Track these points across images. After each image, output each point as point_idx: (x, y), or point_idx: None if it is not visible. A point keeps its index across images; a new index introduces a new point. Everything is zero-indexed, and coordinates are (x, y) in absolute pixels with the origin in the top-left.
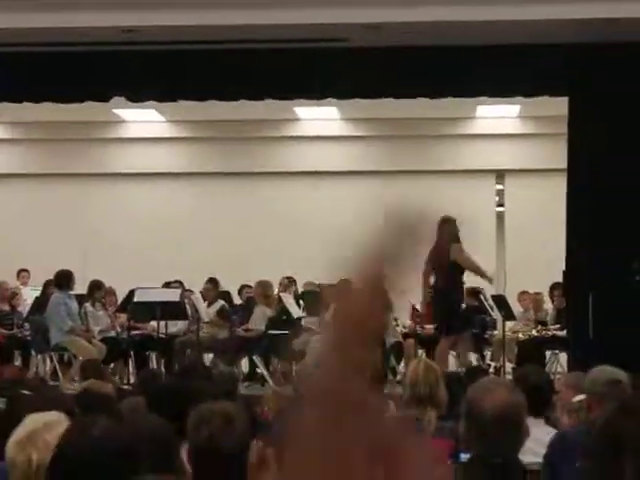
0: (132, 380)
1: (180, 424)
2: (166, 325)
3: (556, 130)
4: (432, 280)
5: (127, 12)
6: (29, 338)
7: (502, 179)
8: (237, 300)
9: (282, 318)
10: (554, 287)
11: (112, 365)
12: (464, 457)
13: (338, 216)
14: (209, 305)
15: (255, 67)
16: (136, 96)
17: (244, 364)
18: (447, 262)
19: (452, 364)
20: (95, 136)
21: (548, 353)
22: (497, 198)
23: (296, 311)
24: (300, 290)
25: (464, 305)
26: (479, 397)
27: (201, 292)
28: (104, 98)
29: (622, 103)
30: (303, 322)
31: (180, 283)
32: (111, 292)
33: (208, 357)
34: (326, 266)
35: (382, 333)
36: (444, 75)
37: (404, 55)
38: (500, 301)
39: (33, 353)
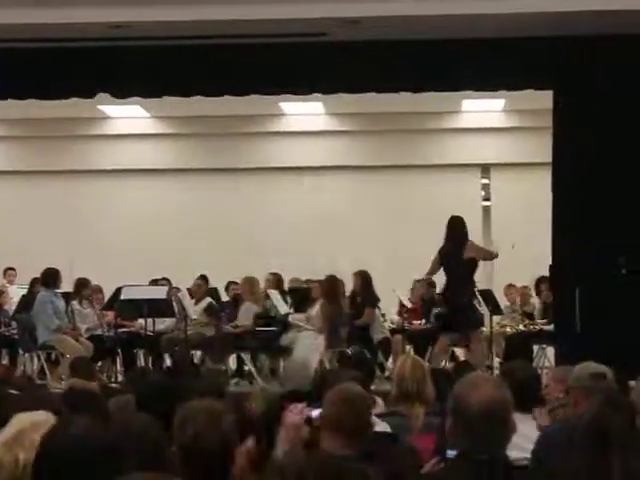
0: (120, 378)
1: (168, 422)
2: (153, 322)
3: (541, 124)
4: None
5: (112, 8)
6: (16, 337)
7: (488, 173)
8: (224, 297)
9: (269, 314)
10: (540, 281)
11: (100, 363)
12: (451, 453)
13: (324, 211)
14: (197, 302)
15: (240, 63)
16: (121, 92)
17: (232, 361)
18: (461, 260)
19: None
20: (80, 133)
21: (535, 347)
22: (483, 192)
23: (283, 307)
24: (286, 286)
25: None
26: (465, 393)
27: (189, 289)
28: (89, 94)
29: (607, 96)
30: (290, 318)
31: (167, 280)
32: (98, 290)
33: (196, 354)
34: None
35: None
36: (428, 69)
37: (388, 49)
38: (487, 295)
39: (20, 352)
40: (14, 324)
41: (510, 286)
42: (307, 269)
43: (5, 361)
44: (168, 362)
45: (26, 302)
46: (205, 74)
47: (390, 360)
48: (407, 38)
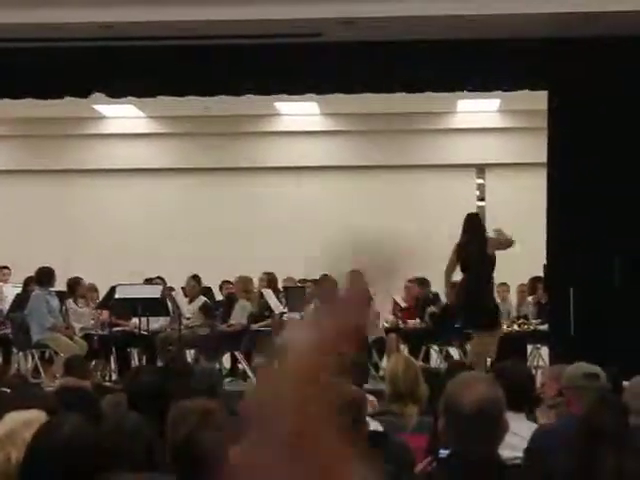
0: (114, 377)
1: (160, 421)
2: (147, 321)
3: (536, 124)
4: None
5: (106, 8)
6: (10, 335)
7: (483, 173)
8: (219, 296)
9: (264, 314)
10: (534, 281)
11: (94, 362)
12: (443, 453)
13: (319, 211)
14: (191, 301)
15: (235, 63)
16: (116, 92)
17: (226, 360)
18: (485, 258)
19: (434, 359)
20: (75, 132)
21: (530, 347)
22: (478, 192)
23: (277, 306)
24: (281, 286)
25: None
26: (458, 392)
27: (183, 288)
28: (84, 94)
29: (601, 97)
30: (285, 318)
31: (161, 279)
32: (92, 289)
33: (190, 353)
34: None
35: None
36: (423, 70)
37: (383, 50)
38: None
39: (14, 350)
40: (8, 323)
41: (503, 284)
42: (302, 269)
43: None
44: (162, 361)
45: (20, 301)
46: (200, 74)
47: (384, 359)
48: (402, 39)
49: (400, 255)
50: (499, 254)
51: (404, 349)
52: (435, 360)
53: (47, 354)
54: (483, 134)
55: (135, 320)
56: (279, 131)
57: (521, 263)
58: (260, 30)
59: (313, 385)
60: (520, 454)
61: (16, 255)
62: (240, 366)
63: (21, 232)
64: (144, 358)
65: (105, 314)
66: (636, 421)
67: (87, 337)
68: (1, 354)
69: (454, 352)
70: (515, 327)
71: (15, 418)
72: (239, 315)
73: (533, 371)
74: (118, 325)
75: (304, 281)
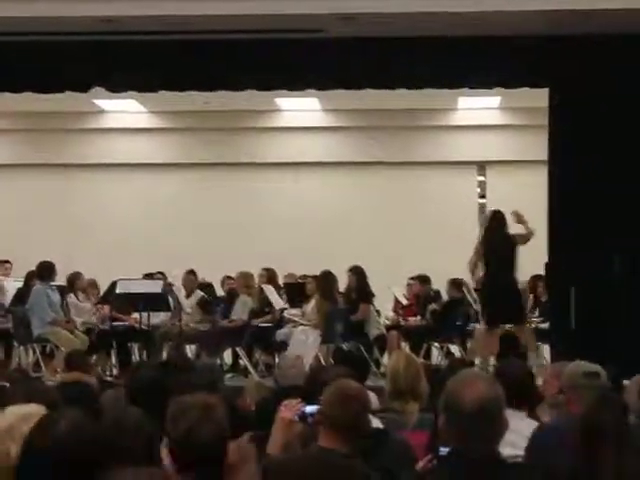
0: (115, 372)
1: (160, 416)
2: (148, 316)
3: (537, 121)
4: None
5: (107, 2)
6: (11, 329)
7: (483, 170)
8: (219, 291)
9: (264, 309)
10: (535, 279)
11: (94, 356)
12: (444, 450)
13: (319, 207)
14: (187, 296)
15: (235, 58)
16: (115, 86)
17: (227, 355)
18: (511, 252)
19: (435, 356)
20: (75, 126)
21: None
22: (479, 189)
23: (278, 302)
24: (281, 281)
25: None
26: (458, 390)
27: (183, 284)
28: (84, 88)
29: (602, 94)
30: (285, 313)
31: (162, 274)
32: (93, 284)
33: (191, 349)
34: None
35: None
36: (424, 66)
37: (384, 46)
38: None
39: (15, 344)
40: (9, 317)
41: None
42: (302, 265)
43: (0, 354)
44: (163, 356)
45: (21, 295)
46: (200, 69)
47: (386, 356)
48: (403, 35)
49: None
50: None
51: (405, 346)
52: (436, 357)
53: (48, 348)
54: (484, 131)
55: (136, 315)
56: (279, 127)
57: (522, 261)
58: (261, 25)
59: None
60: (521, 452)
61: (17, 249)
62: (241, 362)
63: (22, 226)
64: (145, 353)
65: (106, 309)
66: (636, 420)
67: (88, 331)
68: (2, 348)
69: (455, 349)
70: None
71: (14, 412)
72: (240, 311)
73: (533, 369)
74: (119, 320)
75: (305, 277)
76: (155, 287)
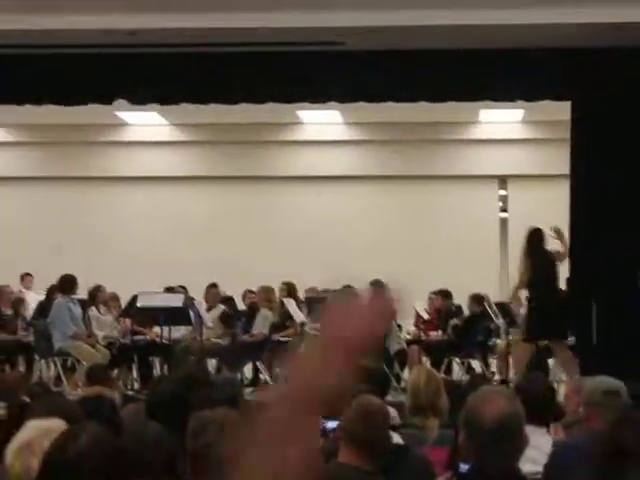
0: (136, 386)
1: (179, 431)
2: (169, 330)
3: (559, 135)
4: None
5: (130, 15)
6: (33, 343)
7: (505, 184)
8: (241, 305)
9: (285, 323)
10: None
11: (116, 371)
12: (464, 467)
13: (341, 220)
14: (209, 309)
15: (257, 70)
16: (139, 99)
17: (247, 370)
18: (553, 269)
19: (456, 372)
20: (98, 139)
21: (551, 360)
22: (500, 204)
23: (299, 316)
24: (303, 295)
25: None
26: (478, 406)
27: (205, 297)
28: (107, 101)
29: (625, 108)
30: (307, 328)
31: (183, 288)
32: (114, 298)
33: (212, 363)
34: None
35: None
36: (446, 79)
37: (406, 59)
38: (504, 308)
39: (37, 358)
40: (31, 330)
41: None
42: (324, 278)
43: (21, 367)
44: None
45: (43, 308)
46: (223, 82)
47: (406, 371)
48: (425, 47)
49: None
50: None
51: (426, 361)
52: (457, 373)
53: (69, 362)
54: (506, 145)
55: (157, 329)
56: (301, 140)
57: None
58: (283, 38)
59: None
60: (541, 469)
61: (39, 262)
62: (262, 376)
63: (43, 239)
64: (166, 367)
65: (127, 322)
66: None
67: (109, 345)
68: (24, 361)
69: (476, 365)
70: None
71: (35, 427)
72: (261, 325)
73: (555, 385)
74: (140, 333)
75: (326, 291)
76: (176, 301)
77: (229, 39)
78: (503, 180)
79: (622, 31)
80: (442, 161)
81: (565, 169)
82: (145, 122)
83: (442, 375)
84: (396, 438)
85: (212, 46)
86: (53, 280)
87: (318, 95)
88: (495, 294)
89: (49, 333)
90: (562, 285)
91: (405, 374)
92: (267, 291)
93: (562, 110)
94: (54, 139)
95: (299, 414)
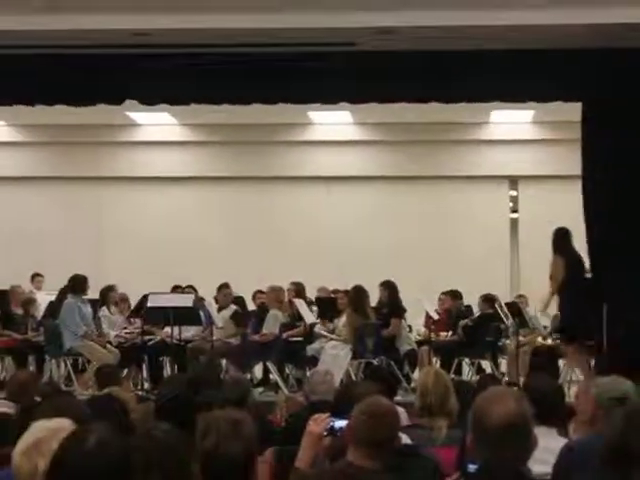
0: (146, 386)
1: (187, 431)
2: (179, 330)
3: (570, 136)
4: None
5: (140, 15)
6: (43, 343)
7: (516, 185)
8: (251, 305)
9: (295, 323)
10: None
11: (126, 371)
12: (472, 467)
13: (351, 220)
14: (220, 309)
15: (268, 71)
16: (149, 99)
17: (257, 370)
18: (583, 269)
19: (466, 372)
20: (108, 139)
21: (562, 362)
22: (511, 204)
23: (309, 316)
24: (314, 295)
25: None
26: (486, 407)
27: (215, 298)
28: (117, 101)
29: (636, 108)
30: (317, 328)
31: (192, 288)
32: (124, 298)
33: (221, 363)
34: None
35: None
36: (457, 80)
37: (417, 60)
38: (514, 309)
39: (47, 358)
40: (41, 330)
41: (520, 296)
42: (334, 279)
43: (32, 367)
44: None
45: (53, 308)
46: (233, 82)
47: (417, 372)
48: (436, 49)
49: None
50: (534, 265)
51: (436, 362)
52: (467, 373)
53: (80, 362)
54: (516, 145)
55: (167, 329)
56: (312, 140)
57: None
58: (294, 39)
59: None
60: (550, 469)
61: (49, 262)
62: (272, 376)
63: (54, 239)
64: (176, 367)
65: (138, 322)
66: None
67: (119, 345)
68: (34, 361)
69: (486, 365)
70: (549, 342)
71: (42, 427)
72: (271, 325)
73: (566, 386)
74: (150, 333)
75: (336, 291)
76: (186, 301)
77: (239, 40)
78: (514, 181)
79: (633, 32)
80: (452, 162)
81: (576, 169)
82: (156, 122)
83: (452, 376)
84: (405, 438)
85: (223, 47)
86: (64, 280)
87: (329, 96)
88: (505, 295)
89: (59, 333)
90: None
91: (415, 375)
92: (277, 291)
93: (572, 111)
94: (64, 139)
95: None
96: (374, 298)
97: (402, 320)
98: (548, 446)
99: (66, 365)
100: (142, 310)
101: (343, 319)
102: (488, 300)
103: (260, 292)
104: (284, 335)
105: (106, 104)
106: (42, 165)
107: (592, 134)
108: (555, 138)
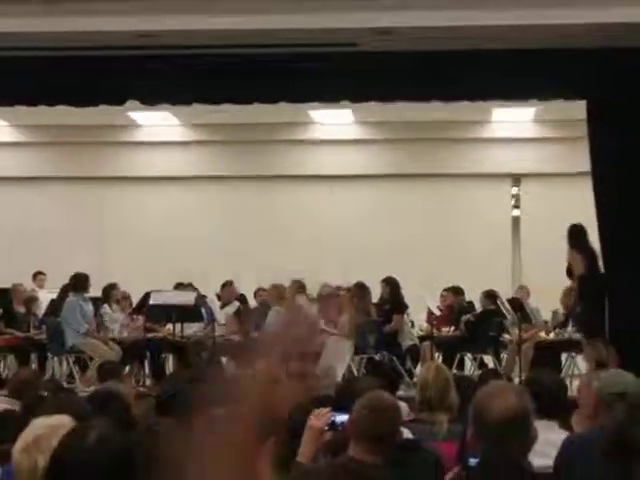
0: (148, 383)
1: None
2: (182, 327)
3: (572, 134)
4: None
5: (142, 17)
6: (45, 341)
7: (518, 183)
8: (253, 303)
9: None
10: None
11: (128, 367)
12: (473, 461)
13: (353, 219)
14: (223, 306)
15: (269, 71)
16: (150, 99)
17: None
18: (598, 265)
19: (469, 367)
20: (110, 139)
21: (564, 356)
22: (513, 202)
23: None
24: (316, 292)
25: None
26: (486, 401)
27: (217, 295)
28: (119, 102)
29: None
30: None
31: (191, 286)
32: (125, 296)
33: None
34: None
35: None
36: (458, 79)
37: (418, 59)
38: (516, 304)
39: (49, 355)
40: (44, 328)
41: (522, 288)
42: (334, 277)
43: (34, 365)
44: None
45: (55, 306)
46: (235, 82)
47: (419, 366)
48: (437, 49)
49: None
50: (535, 262)
51: (438, 357)
52: (469, 368)
53: (82, 360)
54: (518, 143)
55: (169, 326)
56: (313, 139)
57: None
58: (295, 39)
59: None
60: (552, 462)
61: (51, 261)
62: None
63: (56, 238)
64: (178, 364)
65: (140, 320)
66: None
67: (121, 343)
68: (36, 359)
69: (488, 360)
70: (551, 336)
71: (42, 424)
72: (273, 321)
73: (568, 380)
74: (152, 331)
75: (338, 289)
76: (188, 298)
77: (241, 41)
78: (516, 178)
79: (637, 31)
80: (454, 160)
81: (578, 167)
82: (157, 122)
83: (454, 371)
84: (406, 433)
85: (224, 47)
86: (66, 279)
87: (330, 95)
88: (507, 291)
89: (61, 331)
90: None
91: (418, 370)
92: (278, 288)
93: (574, 108)
94: (66, 140)
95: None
96: (376, 295)
97: (404, 316)
98: (549, 439)
99: (68, 362)
100: (144, 308)
101: (345, 316)
102: (490, 296)
103: (262, 289)
104: None
105: (108, 105)
106: (45, 165)
107: (598, 132)
108: (557, 136)
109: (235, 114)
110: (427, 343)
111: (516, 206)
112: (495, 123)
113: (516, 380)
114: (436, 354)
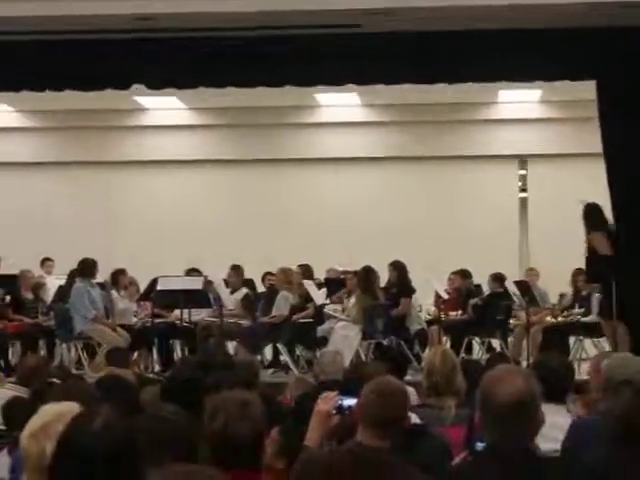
0: (156, 368)
1: (199, 413)
2: (189, 313)
3: (579, 114)
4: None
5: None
6: (54, 327)
7: (525, 164)
8: (260, 287)
9: (305, 305)
10: (577, 273)
11: (136, 353)
12: (480, 446)
13: (359, 201)
14: (232, 292)
15: (274, 54)
16: (156, 83)
17: (268, 351)
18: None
19: (477, 351)
20: (116, 124)
21: (572, 339)
22: (520, 183)
23: (319, 298)
24: (323, 276)
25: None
26: (493, 385)
27: (225, 280)
28: (124, 86)
29: None
30: (326, 309)
31: (197, 271)
32: (133, 282)
33: (231, 345)
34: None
35: None
36: (465, 60)
37: (424, 40)
38: (523, 287)
39: (57, 342)
40: (52, 314)
41: (531, 270)
42: (343, 260)
43: (43, 351)
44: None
45: (63, 292)
46: (240, 65)
47: (427, 351)
48: (443, 29)
49: None
50: (543, 244)
51: (446, 341)
52: (477, 352)
53: (90, 346)
54: (525, 124)
55: (177, 312)
56: (319, 122)
57: (563, 253)
58: (300, 21)
59: None
60: (559, 446)
61: (58, 246)
62: (282, 358)
63: (63, 223)
64: (186, 350)
65: (148, 305)
66: None
67: (129, 328)
68: (45, 346)
69: (496, 344)
70: (559, 319)
71: (49, 411)
72: (282, 306)
73: (576, 364)
74: (160, 316)
75: (346, 272)
76: (196, 284)
77: (245, 23)
78: (523, 160)
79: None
80: (461, 142)
81: (585, 148)
82: (163, 106)
83: (462, 354)
84: (414, 418)
85: (228, 30)
86: (74, 264)
87: (335, 77)
88: (514, 274)
89: (70, 317)
90: None
91: (426, 354)
92: (286, 273)
93: (581, 89)
94: (73, 124)
95: None
96: (383, 278)
97: (411, 300)
98: (557, 423)
99: (77, 349)
100: (152, 293)
101: (352, 300)
102: (497, 279)
103: (270, 274)
104: (294, 318)
105: (113, 89)
106: (51, 150)
107: (608, 113)
108: (564, 117)
109: (241, 97)
110: (435, 327)
111: (523, 188)
112: (501, 104)
113: (524, 364)
114: (444, 338)
